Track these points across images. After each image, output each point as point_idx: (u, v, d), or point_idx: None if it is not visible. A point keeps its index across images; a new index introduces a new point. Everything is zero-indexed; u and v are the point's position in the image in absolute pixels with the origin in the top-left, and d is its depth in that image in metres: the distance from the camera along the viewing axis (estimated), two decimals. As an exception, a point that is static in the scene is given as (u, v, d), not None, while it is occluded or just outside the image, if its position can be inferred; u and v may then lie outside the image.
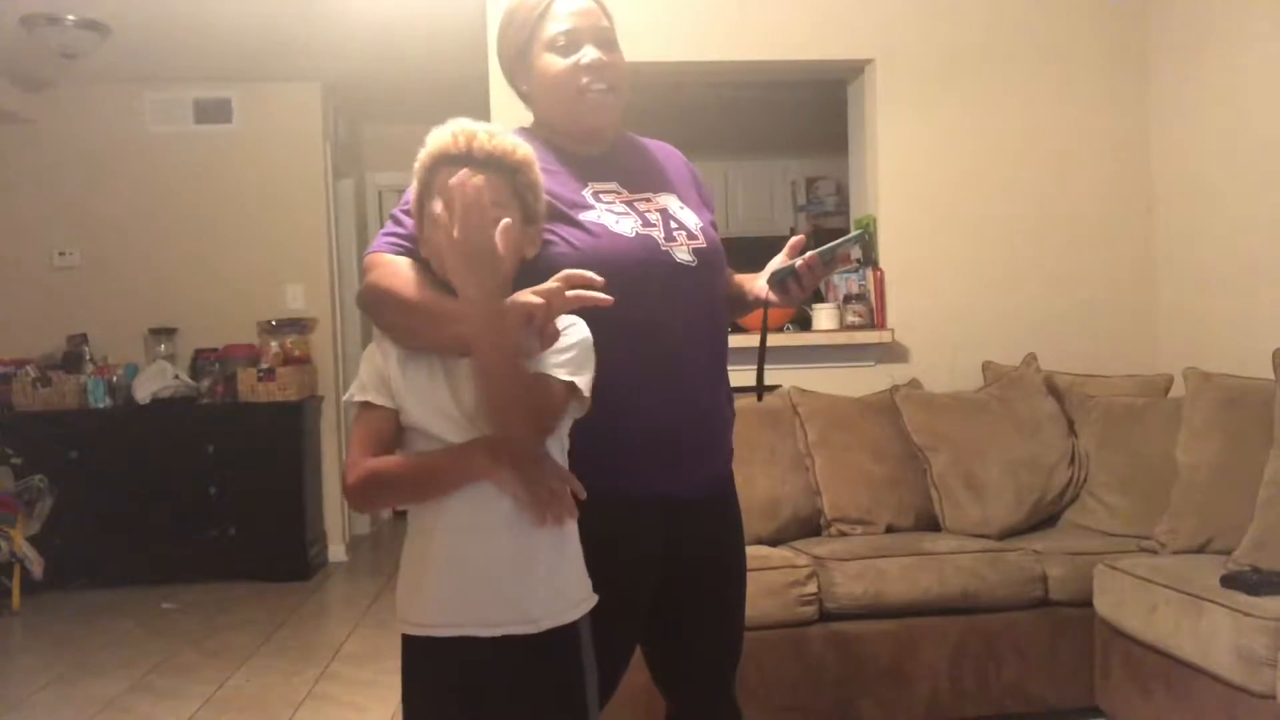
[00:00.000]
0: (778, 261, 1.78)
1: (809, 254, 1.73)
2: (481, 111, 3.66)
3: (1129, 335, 3.94)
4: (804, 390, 3.50)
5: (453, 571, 1.43)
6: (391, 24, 4.61)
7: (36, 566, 4.78)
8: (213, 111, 5.60)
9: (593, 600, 1.50)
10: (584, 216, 1.62)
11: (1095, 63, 3.98)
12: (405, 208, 1.57)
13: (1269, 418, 2.76)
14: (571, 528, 1.47)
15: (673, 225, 1.69)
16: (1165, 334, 3.92)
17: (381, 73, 5.43)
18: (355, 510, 1.53)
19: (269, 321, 5.52)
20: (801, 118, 6.06)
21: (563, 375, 1.43)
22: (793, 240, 1.79)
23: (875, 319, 3.87)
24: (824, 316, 3.87)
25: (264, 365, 5.29)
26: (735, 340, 1.85)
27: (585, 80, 1.66)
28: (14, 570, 4.73)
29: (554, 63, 1.67)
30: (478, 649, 1.43)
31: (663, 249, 1.64)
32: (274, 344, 5.43)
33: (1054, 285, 3.94)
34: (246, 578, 5.11)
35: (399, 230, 1.57)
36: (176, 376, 5.28)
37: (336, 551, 5.70)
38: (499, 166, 1.45)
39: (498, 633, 1.42)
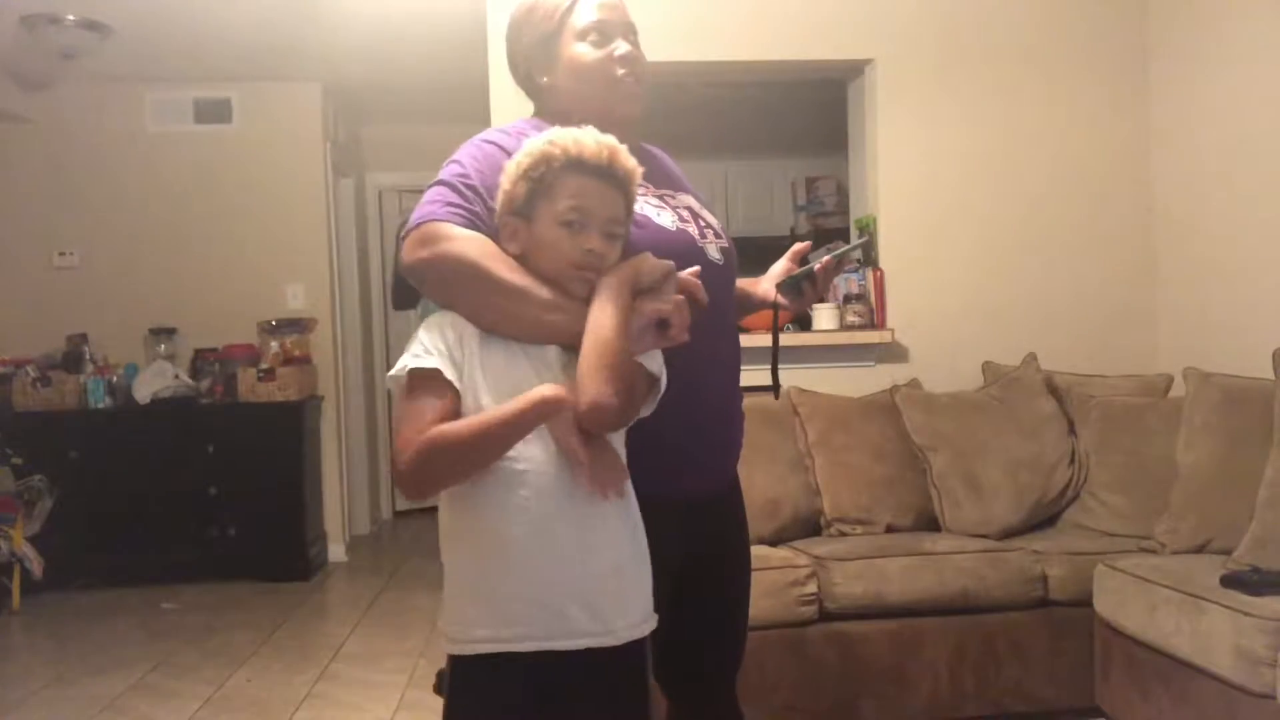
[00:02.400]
0: (781, 267, 1.79)
1: (825, 258, 1.75)
2: (481, 111, 3.67)
3: (1129, 335, 3.94)
4: (804, 390, 3.50)
5: (527, 577, 1.34)
6: (391, 24, 4.61)
7: (36, 566, 4.78)
8: (213, 111, 5.61)
9: (656, 617, 1.46)
10: None
11: (1095, 63, 3.98)
12: (466, 180, 1.51)
13: (1269, 418, 2.76)
14: (643, 537, 1.43)
15: (701, 223, 1.70)
16: (1165, 334, 3.92)
17: (381, 73, 5.43)
18: (410, 497, 1.47)
19: (269, 321, 5.52)
20: (801, 118, 6.05)
21: (651, 367, 1.41)
22: (797, 246, 1.80)
23: (875, 319, 3.87)
24: (824, 316, 3.87)
25: (264, 365, 5.29)
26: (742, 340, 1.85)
27: (621, 71, 1.66)
28: (14, 570, 4.73)
29: (587, 53, 1.66)
30: (550, 664, 1.33)
31: (699, 245, 1.65)
32: (274, 344, 5.43)
33: (1054, 285, 3.94)
34: (246, 578, 5.11)
35: (462, 202, 1.49)
36: (176, 376, 5.28)
37: (336, 551, 5.70)
38: (626, 187, 1.44)
39: (580, 645, 1.34)
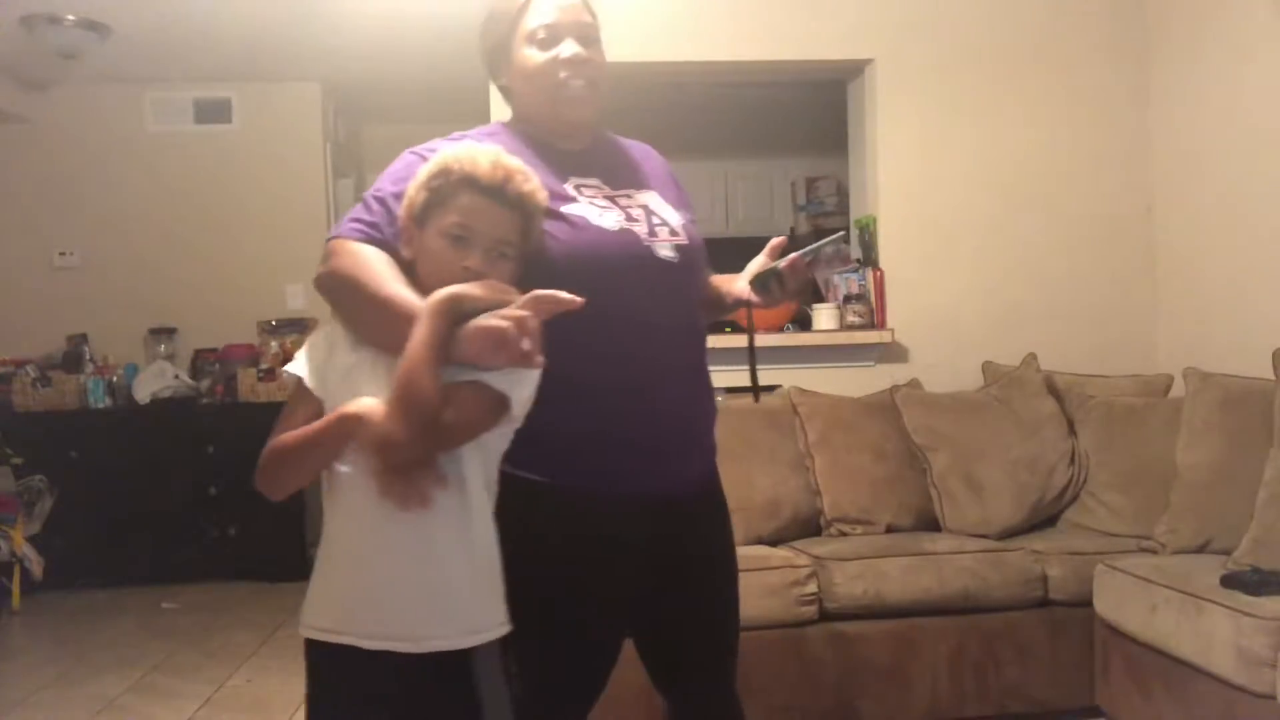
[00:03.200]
0: (758, 263, 1.76)
1: (793, 255, 1.71)
2: (481, 111, 3.67)
3: (1129, 335, 3.94)
4: (804, 390, 3.50)
5: (341, 575, 1.42)
6: (391, 24, 4.61)
7: (36, 566, 4.78)
8: (213, 111, 5.61)
9: (497, 633, 1.44)
10: (566, 209, 1.61)
11: (1095, 63, 3.98)
12: (379, 194, 1.55)
13: (1269, 418, 2.76)
14: (485, 552, 1.43)
15: (655, 221, 1.68)
16: (1165, 334, 3.92)
17: (381, 73, 5.43)
18: (270, 497, 1.49)
19: (269, 321, 5.52)
20: (801, 118, 6.05)
21: (499, 385, 1.38)
22: (773, 241, 1.77)
23: (875, 319, 3.87)
24: (824, 316, 3.87)
25: (264, 365, 5.29)
26: (727, 340, 1.84)
27: (564, 75, 1.65)
28: (14, 570, 4.73)
29: (533, 56, 1.66)
30: (365, 661, 1.38)
31: (645, 244, 1.63)
32: (274, 344, 5.44)
33: (1054, 285, 3.94)
34: (246, 578, 5.11)
35: (367, 217, 1.54)
36: (176, 376, 5.28)
37: (336, 551, 5.70)
38: (523, 208, 1.45)
39: (378, 646, 1.38)
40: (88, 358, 5.32)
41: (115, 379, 5.26)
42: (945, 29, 3.94)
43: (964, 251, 3.93)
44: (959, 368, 3.78)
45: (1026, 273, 3.93)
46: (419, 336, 1.33)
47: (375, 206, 1.55)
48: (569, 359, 1.45)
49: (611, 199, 1.67)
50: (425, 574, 1.39)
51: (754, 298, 1.75)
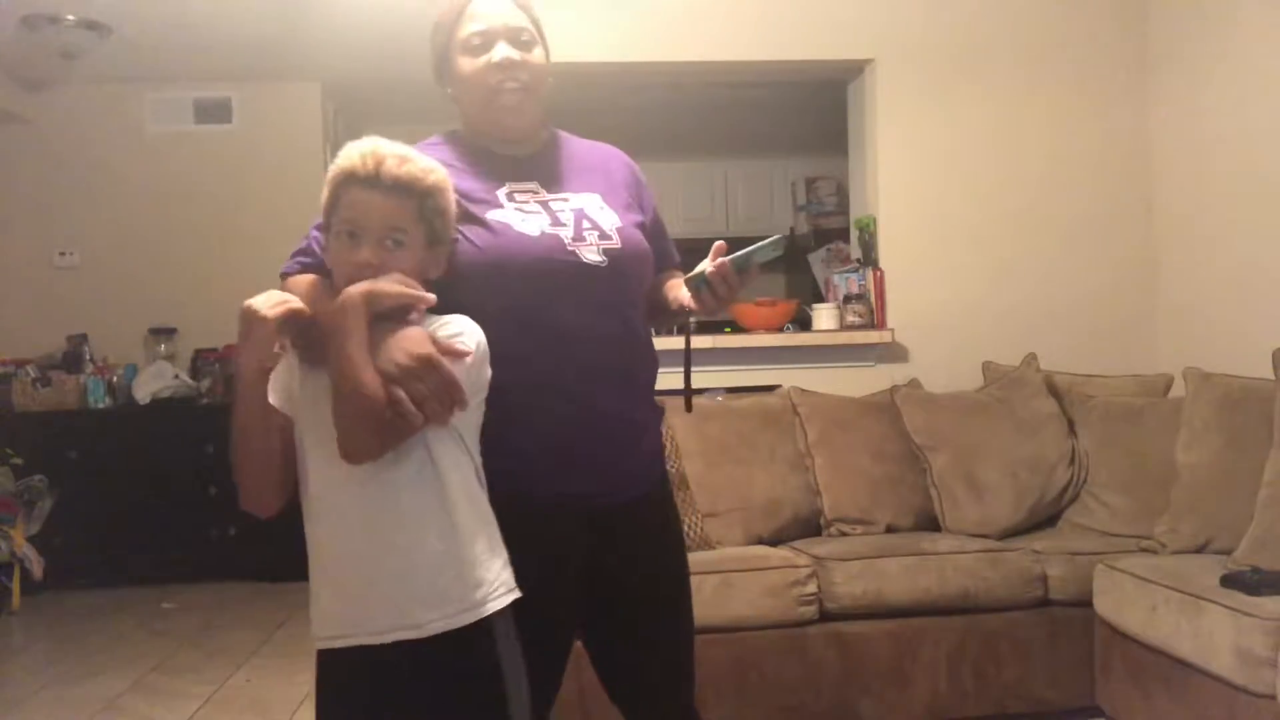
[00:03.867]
0: (702, 266, 1.68)
1: (721, 260, 1.63)
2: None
3: (1129, 335, 3.94)
4: (804, 390, 3.50)
5: (331, 578, 1.45)
6: (391, 24, 4.61)
7: (36, 566, 4.78)
8: (213, 111, 5.61)
9: (498, 604, 1.46)
10: (490, 215, 1.61)
11: (1095, 63, 3.98)
12: (317, 222, 1.57)
13: (1269, 418, 2.76)
14: (471, 526, 1.45)
15: (585, 225, 1.65)
16: (1165, 334, 3.92)
17: (381, 73, 5.43)
18: (260, 513, 1.51)
19: (269, 321, 5.51)
20: (801, 118, 6.05)
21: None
22: (715, 245, 1.67)
23: (875, 319, 3.87)
24: (824, 316, 3.87)
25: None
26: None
27: (497, 79, 1.65)
28: (14, 570, 4.73)
29: (467, 63, 1.67)
30: (376, 657, 1.41)
31: (569, 248, 1.61)
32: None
33: (1054, 285, 3.94)
34: (246, 578, 5.11)
35: (302, 246, 1.61)
36: (176, 376, 5.28)
37: (336, 551, 5.70)
38: (407, 191, 1.45)
39: (388, 639, 1.40)
40: (88, 358, 5.32)
41: (115, 379, 5.26)
42: (945, 29, 3.94)
43: (964, 251, 3.93)
44: (959, 368, 3.78)
45: (1026, 273, 3.93)
46: (345, 342, 1.37)
47: (314, 235, 1.59)
48: (498, 367, 1.47)
49: (544, 204, 1.66)
50: (411, 560, 1.41)
51: (692, 304, 1.70)
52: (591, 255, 1.63)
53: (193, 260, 5.56)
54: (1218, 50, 3.61)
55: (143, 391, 5.21)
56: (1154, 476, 3.14)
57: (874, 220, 3.95)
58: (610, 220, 1.68)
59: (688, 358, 1.87)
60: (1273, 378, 2.82)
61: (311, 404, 1.46)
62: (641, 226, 1.74)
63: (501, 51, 1.65)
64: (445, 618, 1.41)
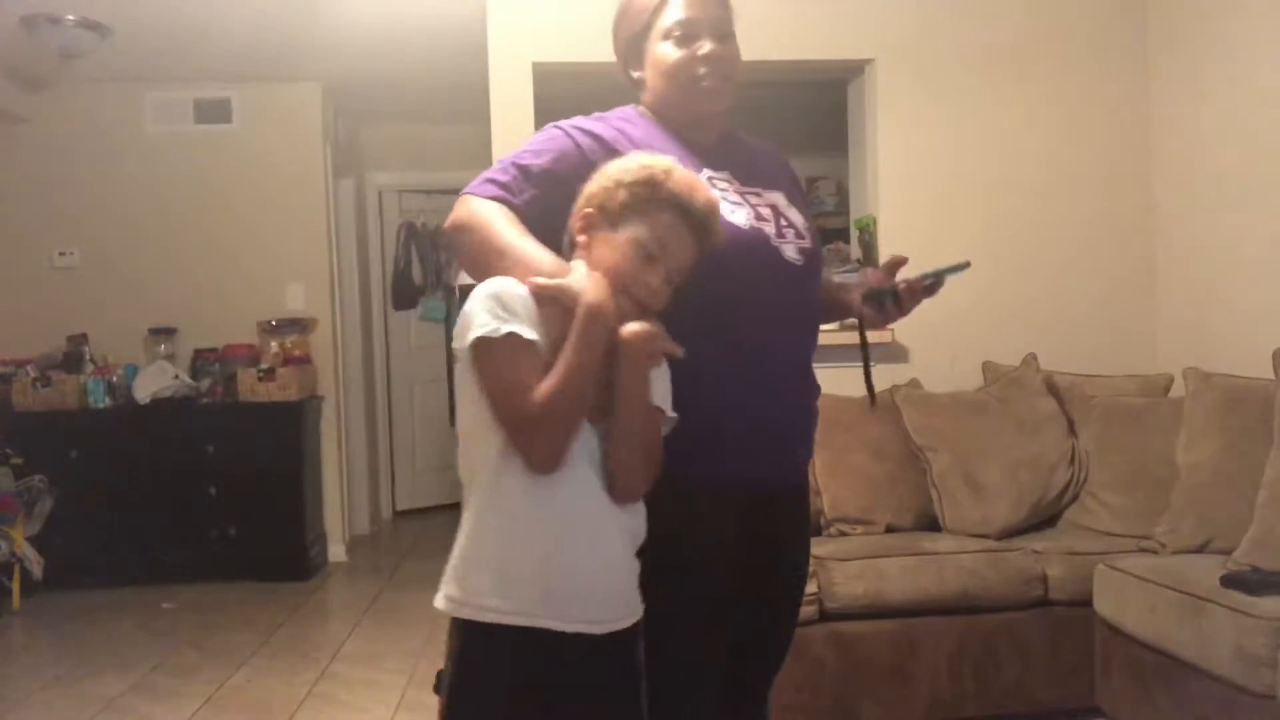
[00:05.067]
0: (874, 276, 1.79)
1: (913, 277, 1.73)
2: (481, 111, 3.67)
3: (1129, 335, 3.94)
4: (804, 390, 3.49)
5: (536, 557, 1.40)
6: (391, 24, 4.60)
7: (36, 566, 4.78)
8: (213, 111, 5.60)
9: (640, 612, 1.50)
10: None
11: (1095, 63, 3.98)
12: (519, 162, 1.59)
13: (1269, 418, 2.76)
14: (638, 539, 1.50)
15: (783, 222, 1.70)
16: (1165, 334, 3.92)
17: (381, 73, 5.43)
18: (546, 469, 1.38)
19: (269, 321, 5.52)
20: (801, 118, 6.04)
21: (663, 408, 1.50)
22: (893, 258, 1.78)
23: (875, 319, 3.86)
24: (824, 316, 3.87)
25: (264, 365, 5.29)
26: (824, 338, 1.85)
27: (701, 71, 1.68)
28: (14, 570, 4.73)
29: (670, 53, 1.69)
30: (544, 644, 1.39)
31: (773, 244, 1.66)
32: (274, 344, 5.43)
33: (1054, 285, 3.94)
34: (246, 578, 5.11)
35: (502, 178, 1.58)
36: (176, 376, 5.28)
37: (336, 551, 5.70)
38: (708, 244, 1.50)
39: (571, 629, 1.40)
40: (88, 358, 5.32)
41: (115, 379, 5.26)
42: (945, 29, 3.94)
43: (964, 251, 3.87)
44: (959, 368, 3.78)
45: (1026, 273, 3.93)
46: (645, 390, 1.45)
47: (512, 171, 1.59)
48: (694, 351, 1.49)
49: (742, 195, 1.69)
50: (604, 560, 1.44)
51: (867, 313, 1.78)
52: (791, 253, 1.68)
53: (193, 260, 5.56)
54: (1218, 50, 3.61)
55: (143, 391, 5.21)
56: (1154, 476, 3.14)
57: (874, 220, 3.94)
58: (799, 219, 1.74)
59: (865, 354, 1.92)
60: (1273, 378, 2.82)
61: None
62: (813, 226, 1.79)
63: (708, 45, 1.69)
64: (618, 620, 1.46)
